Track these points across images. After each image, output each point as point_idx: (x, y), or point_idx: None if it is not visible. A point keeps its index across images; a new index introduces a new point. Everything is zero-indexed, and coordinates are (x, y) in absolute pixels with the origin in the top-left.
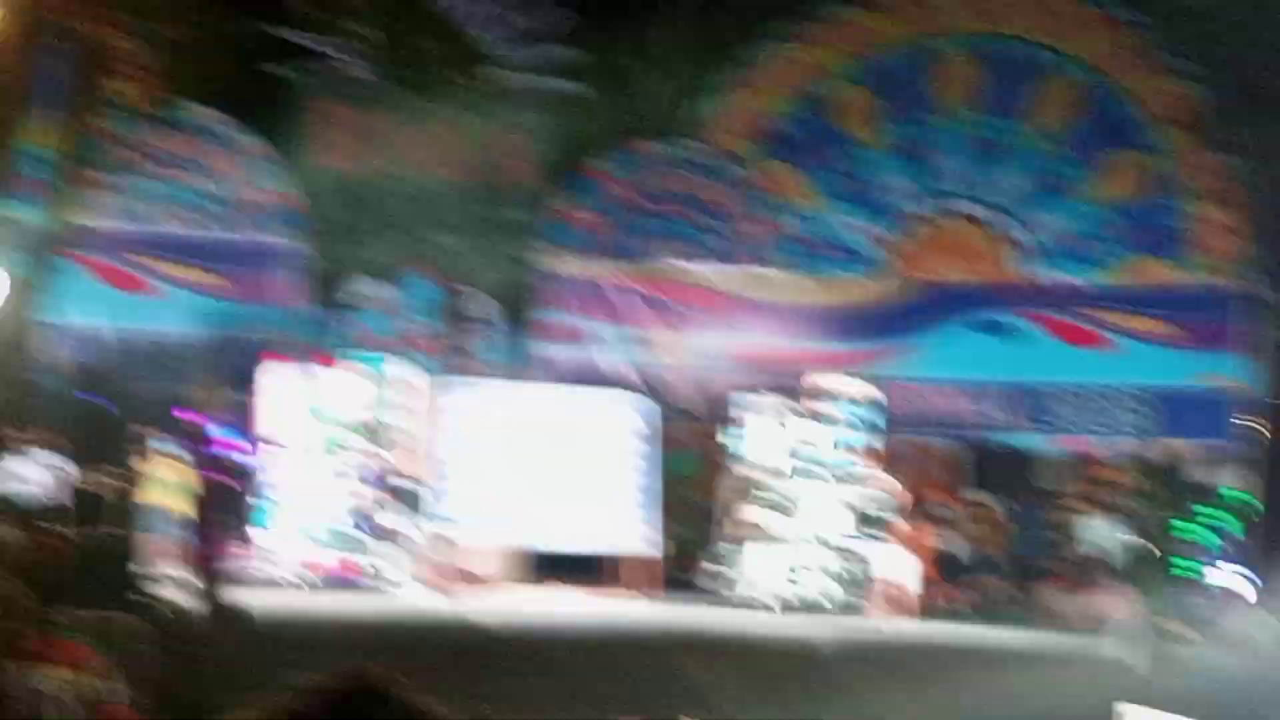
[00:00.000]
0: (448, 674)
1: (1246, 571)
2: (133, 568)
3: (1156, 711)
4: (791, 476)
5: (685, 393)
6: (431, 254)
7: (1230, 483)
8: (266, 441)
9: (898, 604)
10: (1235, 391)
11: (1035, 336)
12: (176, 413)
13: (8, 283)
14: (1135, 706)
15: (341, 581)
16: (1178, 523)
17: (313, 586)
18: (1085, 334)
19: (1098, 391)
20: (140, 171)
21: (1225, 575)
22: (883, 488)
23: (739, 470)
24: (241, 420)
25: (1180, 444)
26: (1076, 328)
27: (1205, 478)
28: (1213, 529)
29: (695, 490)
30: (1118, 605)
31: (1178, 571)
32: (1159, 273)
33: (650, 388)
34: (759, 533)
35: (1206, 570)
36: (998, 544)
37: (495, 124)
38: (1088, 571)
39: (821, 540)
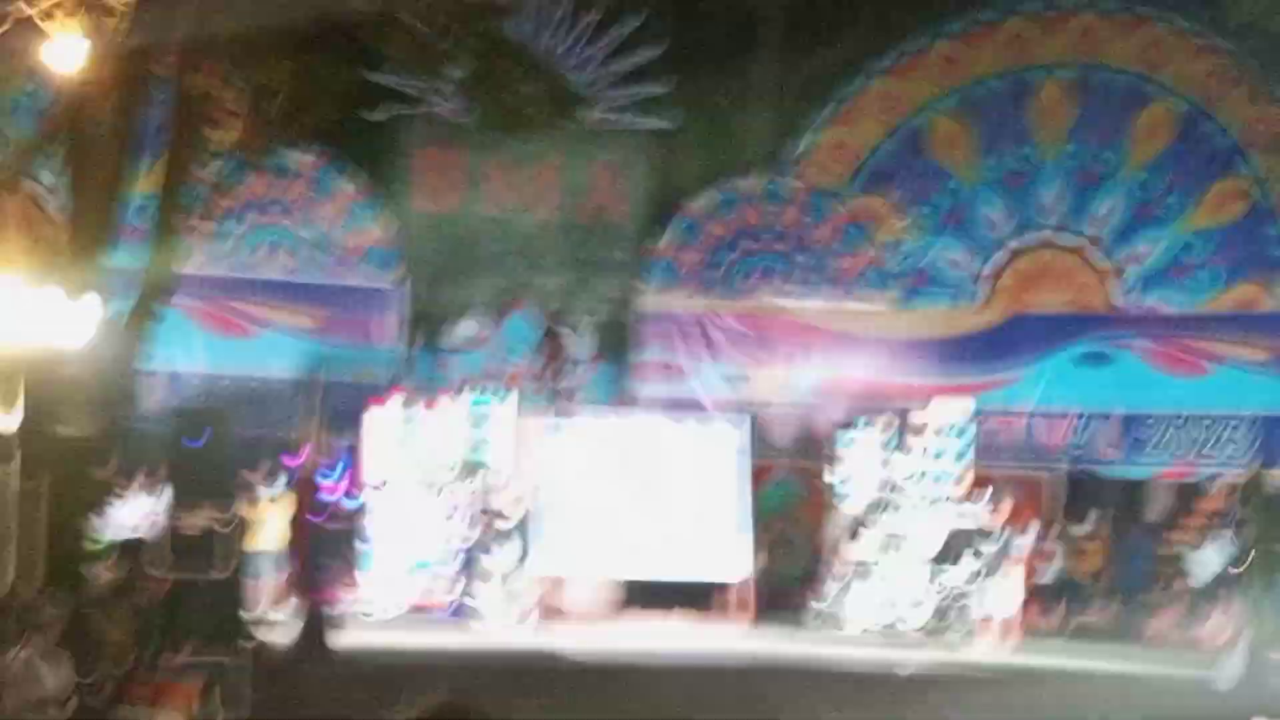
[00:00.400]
0: (546, 707)
1: None
2: (238, 611)
3: None
4: (893, 509)
5: (785, 427)
6: (531, 293)
7: None
8: (370, 483)
9: (1000, 633)
10: None
11: (1136, 365)
12: (283, 457)
13: (114, 330)
14: None
15: (442, 618)
16: None
17: (415, 624)
18: (1186, 361)
19: (1200, 419)
20: (242, 218)
21: None
22: (985, 518)
23: (839, 502)
24: (345, 462)
25: None
26: (1177, 355)
27: None
28: None
29: (795, 523)
30: (1224, 634)
31: None
32: (1259, 299)
33: (749, 422)
34: (860, 564)
35: None
36: (1101, 573)
37: (592, 163)
38: (1193, 600)
39: (923, 571)
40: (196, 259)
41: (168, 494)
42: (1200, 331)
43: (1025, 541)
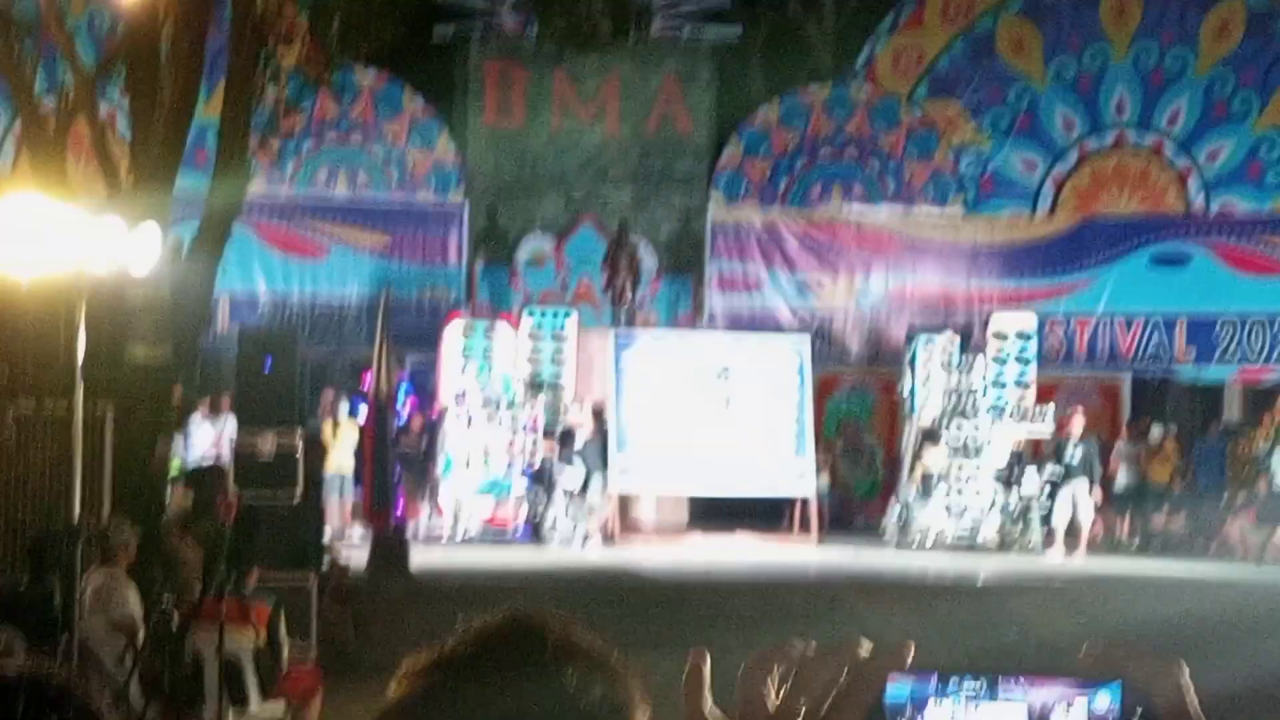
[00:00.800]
0: (617, 623)
1: None
2: (312, 533)
3: None
4: (966, 417)
5: (855, 337)
6: (597, 208)
7: None
8: (442, 403)
9: (1073, 542)
10: None
11: (1209, 267)
12: (354, 378)
13: (182, 254)
14: None
15: (514, 537)
16: None
17: (487, 544)
18: (1260, 263)
19: (1274, 321)
20: (307, 138)
21: None
22: (1058, 425)
23: (910, 413)
24: (421, 380)
25: None
26: (1250, 256)
27: None
28: None
29: (866, 434)
30: None
31: None
32: None
33: (822, 333)
34: (932, 475)
35: None
36: (1175, 479)
37: (657, 76)
38: (1268, 504)
39: (996, 479)
40: (263, 181)
41: (239, 418)
42: (1275, 231)
43: (1096, 449)
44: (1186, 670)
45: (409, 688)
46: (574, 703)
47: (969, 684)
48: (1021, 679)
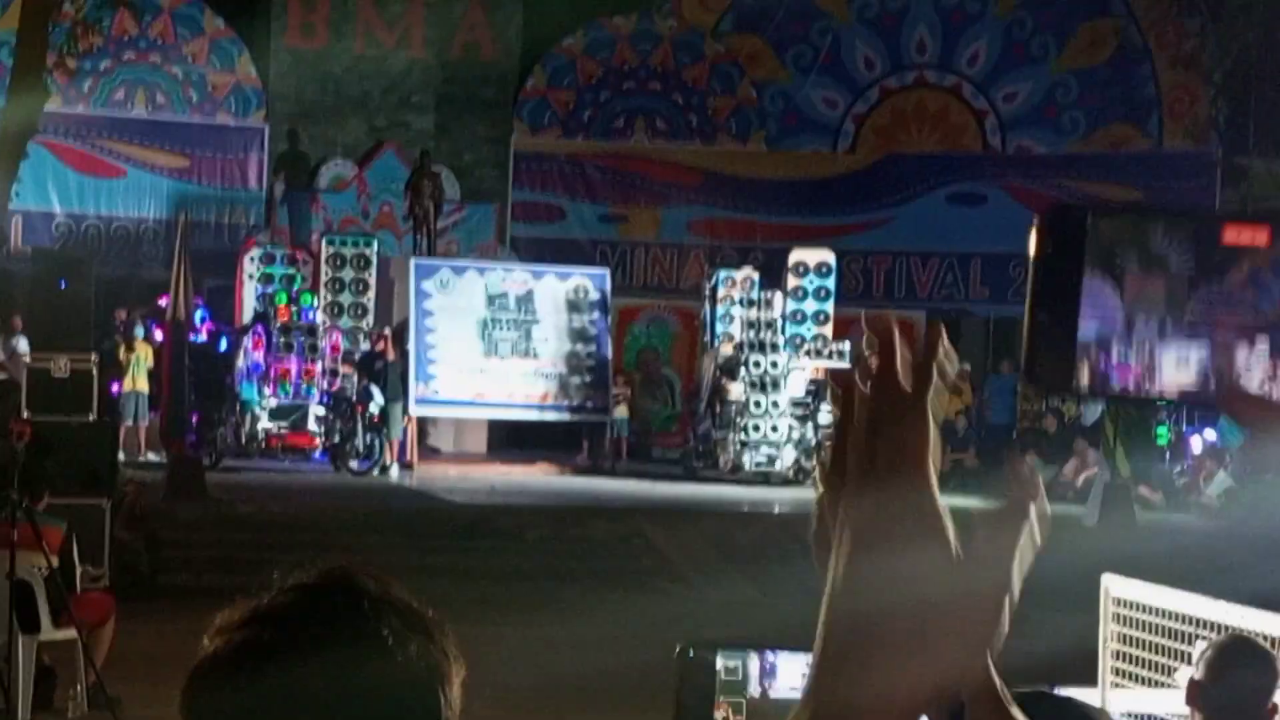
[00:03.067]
0: (417, 550)
1: (1217, 435)
2: (107, 453)
3: (1140, 582)
4: (764, 351)
5: (656, 267)
6: (403, 134)
7: None
8: (243, 325)
9: None
10: None
11: (1005, 205)
12: (156, 298)
13: None
14: (1120, 577)
15: (314, 459)
16: None
17: (287, 465)
18: (1055, 201)
19: None
20: (106, 56)
21: (1197, 441)
22: (853, 359)
23: (710, 344)
24: (219, 304)
25: None
26: (1046, 195)
27: None
28: None
29: (668, 365)
30: (1090, 471)
31: (1152, 438)
32: (1130, 138)
33: (623, 264)
34: (731, 405)
35: (1178, 436)
36: (969, 413)
37: (465, 3)
38: (1061, 439)
39: (793, 413)
40: (59, 99)
41: (31, 338)
42: (1070, 172)
43: None
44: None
45: (224, 642)
46: (390, 659)
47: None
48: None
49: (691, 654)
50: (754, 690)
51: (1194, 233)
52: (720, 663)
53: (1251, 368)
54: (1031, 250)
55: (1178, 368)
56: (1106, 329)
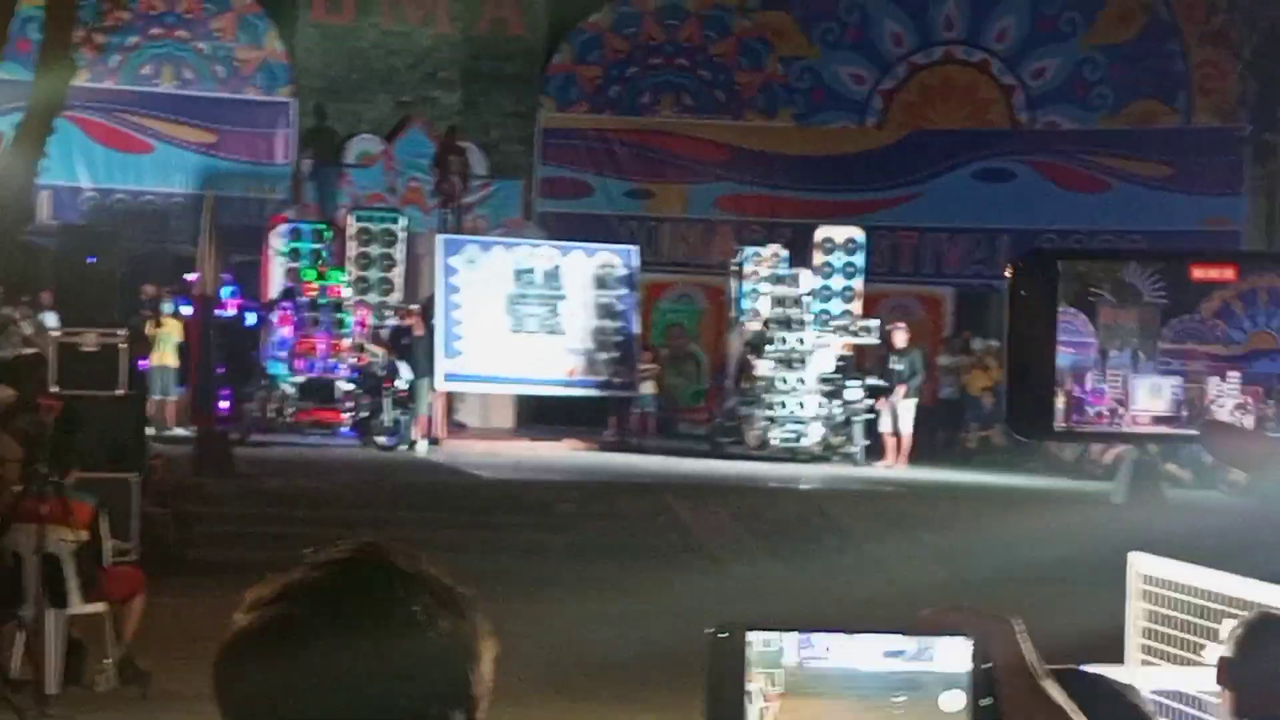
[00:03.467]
0: (445, 524)
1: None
2: (136, 428)
3: (1169, 559)
4: (791, 327)
5: (684, 243)
6: (430, 110)
7: None
8: (270, 300)
9: (898, 449)
10: (1241, 234)
11: (1035, 181)
12: (180, 273)
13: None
14: (1148, 555)
15: (342, 434)
16: None
17: (315, 440)
18: (1085, 178)
19: (1099, 235)
20: (135, 30)
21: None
22: (883, 337)
23: (738, 319)
24: (247, 279)
25: None
26: (1075, 172)
27: None
28: None
29: (695, 340)
30: (1120, 449)
31: None
32: (1158, 115)
33: (650, 240)
34: (760, 380)
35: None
36: (996, 390)
37: None
38: None
39: (820, 389)
40: (88, 73)
41: (60, 313)
42: (1099, 148)
43: (921, 361)
44: (1021, 625)
45: (255, 617)
46: (422, 634)
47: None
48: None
49: (722, 634)
50: (790, 660)
51: (1163, 270)
52: (752, 640)
53: (1223, 399)
54: (1006, 295)
55: (1151, 397)
56: (1081, 359)
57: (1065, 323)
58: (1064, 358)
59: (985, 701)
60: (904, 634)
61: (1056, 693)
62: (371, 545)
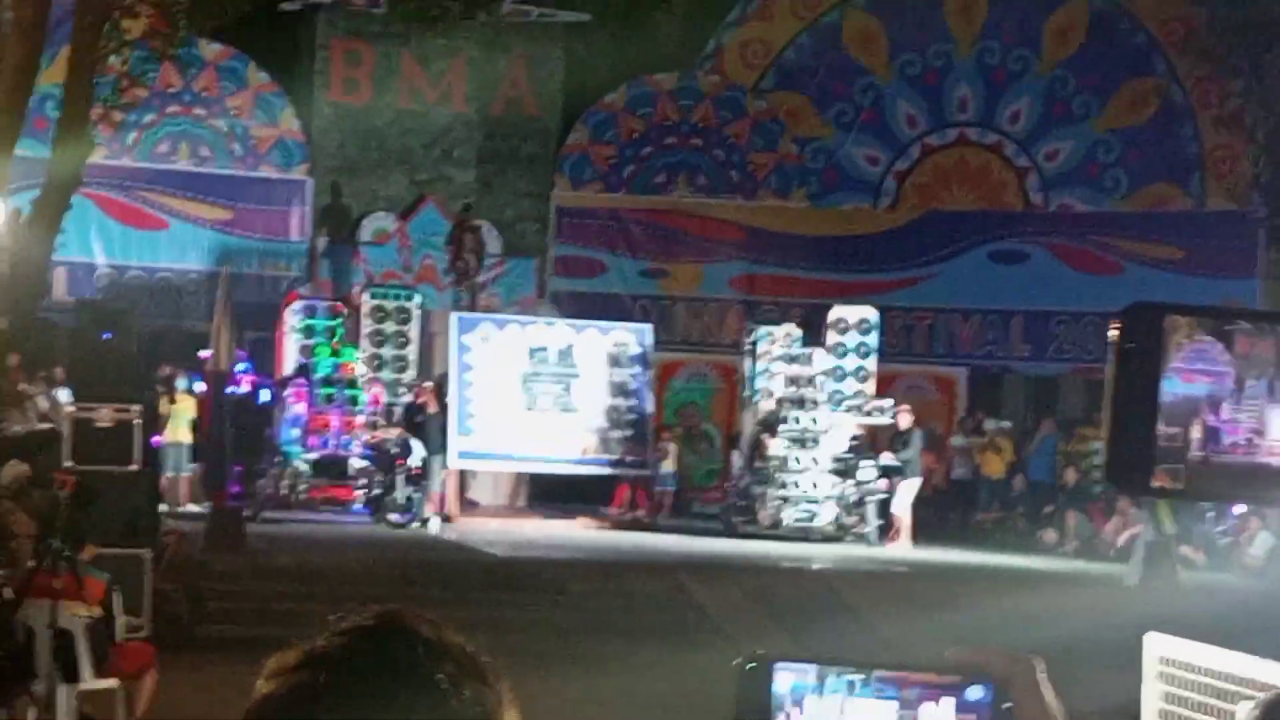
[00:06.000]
0: (454, 601)
1: None
2: (149, 504)
3: (1185, 640)
4: (804, 407)
5: (697, 322)
6: (442, 187)
7: None
8: (284, 377)
9: (910, 529)
10: None
11: (1048, 263)
12: (194, 350)
13: (21, 221)
14: (1164, 635)
15: (356, 512)
16: None
17: (328, 517)
18: (1098, 260)
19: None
20: (151, 108)
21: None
22: (895, 416)
23: (751, 399)
24: (261, 356)
25: None
26: (1088, 254)
27: None
28: None
29: (708, 420)
30: (1133, 530)
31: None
32: (1171, 198)
33: (664, 319)
34: (772, 460)
35: None
36: (1011, 470)
37: (505, 57)
38: (1103, 498)
39: (834, 469)
40: (106, 150)
41: (75, 389)
42: (1112, 230)
43: (937, 439)
44: (1042, 666)
45: (277, 684)
46: (445, 703)
47: (844, 679)
48: (894, 675)
49: (749, 666)
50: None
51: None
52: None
53: None
54: (1110, 349)
55: None
56: (1217, 389)
57: (1200, 351)
58: (1199, 387)
59: None
60: (931, 671)
61: None
62: (395, 612)
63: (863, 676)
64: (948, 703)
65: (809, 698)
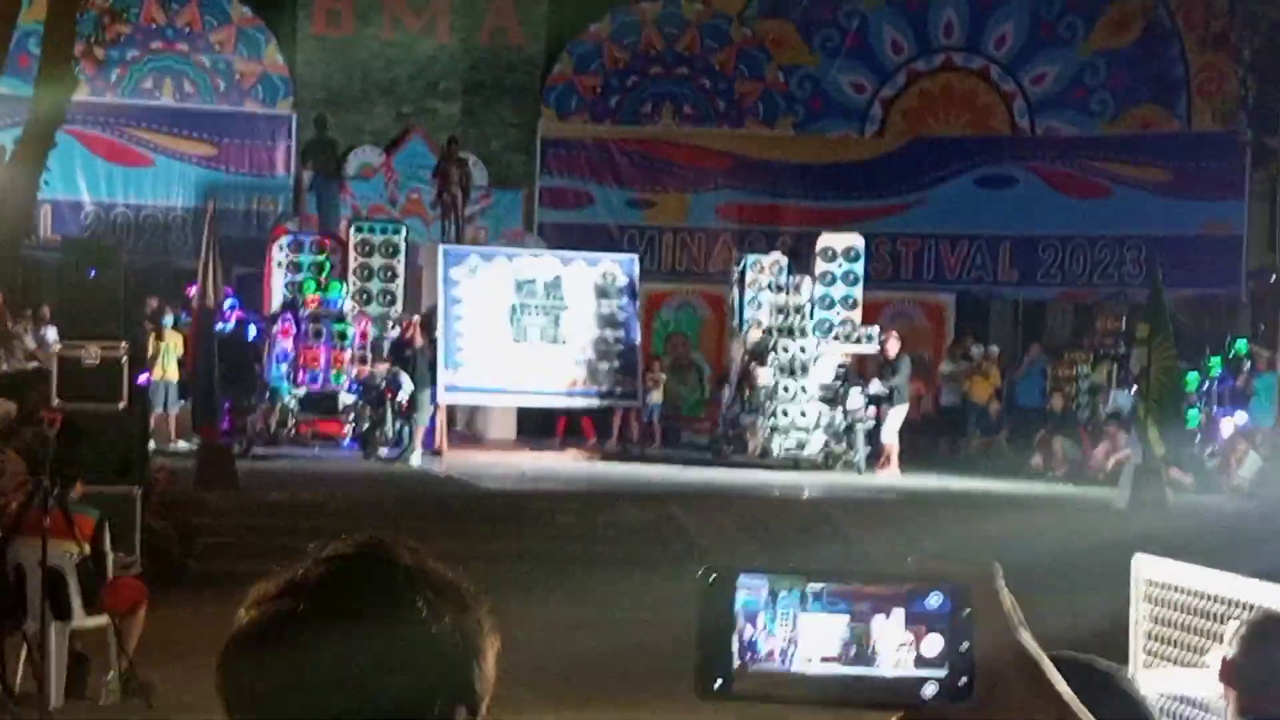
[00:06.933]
0: (449, 535)
1: (1249, 416)
2: (138, 441)
3: (1173, 561)
4: (793, 335)
5: (685, 251)
6: (430, 121)
7: (1239, 331)
8: (272, 313)
9: (898, 456)
10: (1243, 239)
11: (1036, 187)
12: (185, 286)
13: (5, 158)
14: (1151, 557)
15: (344, 446)
16: (1184, 372)
17: (317, 452)
18: (1086, 184)
19: (1098, 241)
20: (134, 44)
21: (1229, 423)
22: (883, 344)
23: (739, 328)
24: (248, 292)
25: (1188, 293)
26: (1075, 178)
27: (1212, 327)
28: (1220, 377)
29: (696, 349)
30: (1122, 454)
31: (1183, 421)
32: (1159, 120)
33: (651, 249)
34: (761, 389)
35: (1209, 418)
36: (999, 395)
37: None
38: (1091, 422)
39: (822, 398)
40: (89, 87)
41: (61, 327)
42: (1099, 154)
43: (924, 365)
44: (1000, 572)
45: (259, 613)
46: (425, 630)
47: (795, 594)
48: (850, 587)
49: (711, 578)
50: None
51: None
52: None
53: None
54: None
55: None
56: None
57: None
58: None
59: (963, 647)
60: (896, 579)
61: (1030, 641)
62: (375, 540)
63: (815, 590)
64: (898, 614)
65: (762, 613)
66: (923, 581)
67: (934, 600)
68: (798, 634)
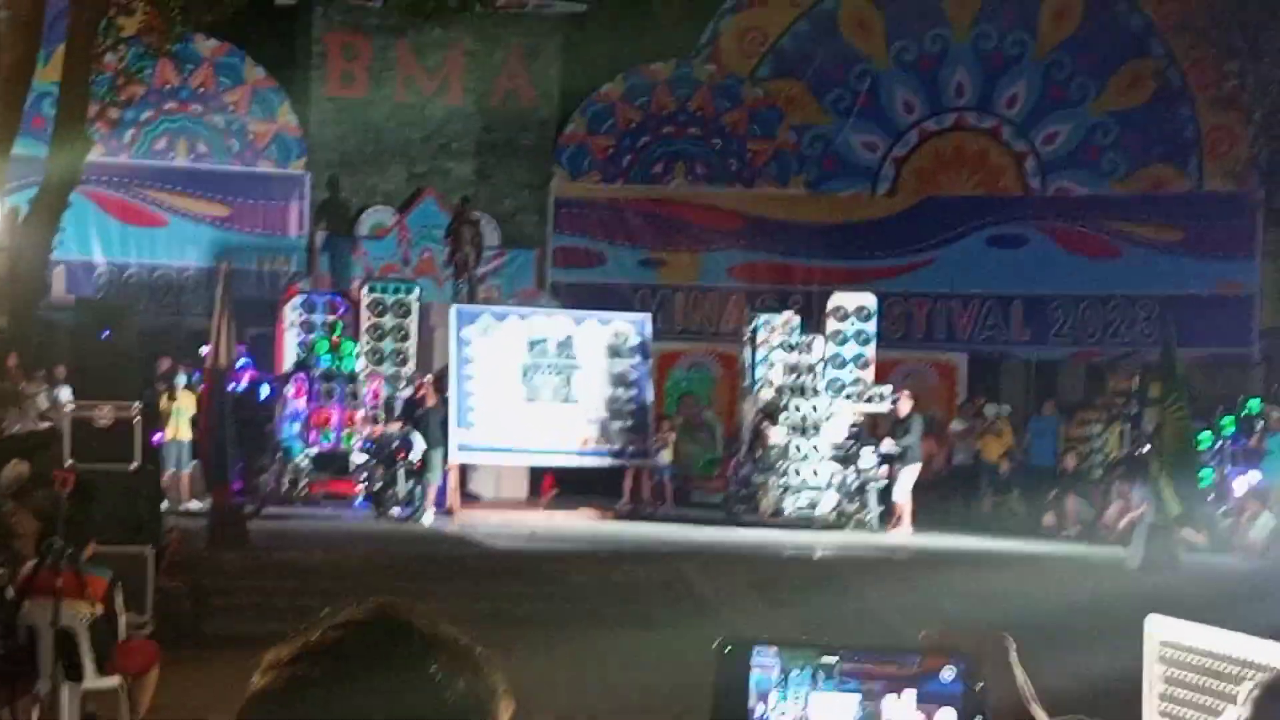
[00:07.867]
0: (455, 594)
1: (1263, 478)
2: (151, 501)
3: (1187, 622)
4: (805, 395)
5: (697, 312)
6: (443, 181)
7: (1251, 390)
8: (285, 373)
9: (910, 516)
10: (1255, 298)
11: (1046, 247)
12: (193, 346)
13: (19, 219)
14: (1165, 618)
15: (356, 506)
16: (1197, 431)
17: (329, 512)
18: (1096, 243)
19: (1109, 300)
20: (148, 105)
21: (1241, 482)
22: (895, 403)
23: (751, 387)
24: (261, 352)
25: (1199, 352)
26: (1087, 237)
27: (1224, 386)
28: (1233, 437)
29: (709, 409)
30: (1133, 513)
31: (1196, 480)
32: (1169, 180)
33: (663, 309)
34: (773, 448)
35: (1222, 477)
36: (1012, 454)
37: (504, 50)
38: (1103, 481)
39: (834, 457)
40: (103, 148)
41: (75, 387)
42: (1110, 213)
43: (936, 424)
44: (1013, 645)
45: (272, 678)
46: (439, 695)
47: (808, 673)
48: (862, 662)
49: (729, 648)
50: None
51: None
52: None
53: None
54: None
55: None
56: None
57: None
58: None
59: None
60: (908, 654)
61: (1041, 714)
62: (388, 605)
63: (828, 667)
64: (909, 694)
65: (773, 692)
66: (934, 658)
67: (946, 675)
68: (809, 713)
